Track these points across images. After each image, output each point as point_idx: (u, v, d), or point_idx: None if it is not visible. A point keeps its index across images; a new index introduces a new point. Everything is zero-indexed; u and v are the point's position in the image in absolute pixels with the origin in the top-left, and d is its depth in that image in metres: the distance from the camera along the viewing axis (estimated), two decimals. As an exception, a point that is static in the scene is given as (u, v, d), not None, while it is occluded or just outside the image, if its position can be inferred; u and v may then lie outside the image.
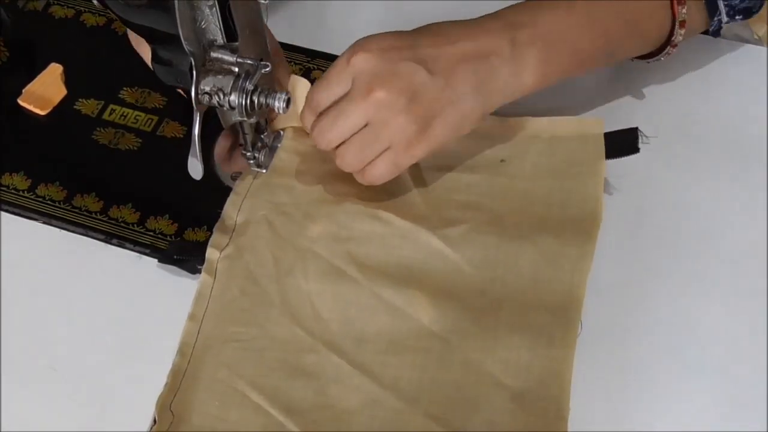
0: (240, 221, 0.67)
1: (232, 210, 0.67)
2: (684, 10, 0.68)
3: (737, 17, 0.71)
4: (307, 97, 0.66)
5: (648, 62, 0.73)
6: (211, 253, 0.65)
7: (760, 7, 0.71)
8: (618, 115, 0.73)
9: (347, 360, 0.62)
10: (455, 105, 0.63)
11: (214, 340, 0.63)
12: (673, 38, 0.70)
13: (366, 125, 0.63)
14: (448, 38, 0.64)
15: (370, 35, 0.64)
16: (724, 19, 0.71)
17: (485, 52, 0.64)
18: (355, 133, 0.63)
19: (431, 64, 0.62)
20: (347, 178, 0.67)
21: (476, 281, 0.65)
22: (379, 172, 0.64)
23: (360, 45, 0.63)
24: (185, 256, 0.66)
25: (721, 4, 0.70)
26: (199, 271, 0.65)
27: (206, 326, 0.63)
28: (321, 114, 0.64)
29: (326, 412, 0.60)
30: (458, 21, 0.66)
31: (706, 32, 0.74)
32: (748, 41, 0.81)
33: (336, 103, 0.63)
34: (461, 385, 0.61)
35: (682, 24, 0.69)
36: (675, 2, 0.68)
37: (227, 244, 0.66)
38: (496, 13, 0.66)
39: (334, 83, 0.64)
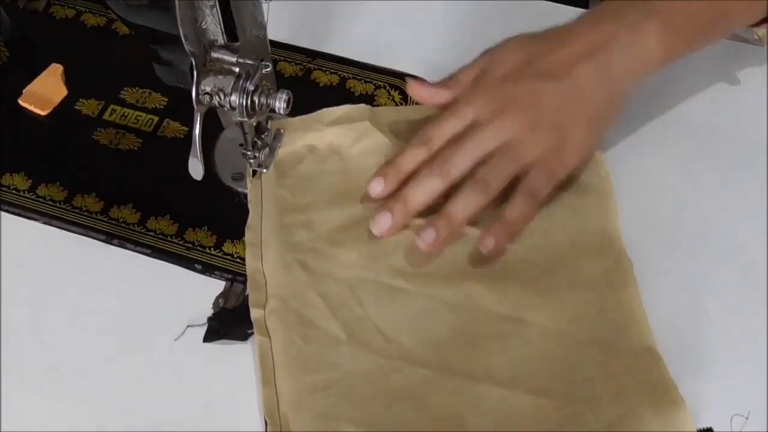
0: (269, 272, 0.65)
1: (254, 262, 0.65)
2: None
3: None
4: (419, 132, 0.64)
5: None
6: (255, 313, 0.63)
7: None
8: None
9: (433, 369, 0.60)
10: (584, 102, 0.62)
11: (298, 398, 0.60)
12: None
13: (496, 149, 0.62)
14: (560, 42, 0.63)
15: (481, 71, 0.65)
16: None
17: (602, 43, 0.62)
18: (489, 156, 0.62)
19: (551, 71, 0.62)
20: (359, 196, 0.66)
21: (521, 254, 0.64)
22: (535, 185, 0.62)
23: (475, 86, 0.64)
24: (229, 327, 0.63)
25: None
26: (251, 335, 0.62)
27: (282, 387, 0.60)
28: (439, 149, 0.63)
29: (437, 424, 0.59)
30: (561, 26, 0.65)
31: None
32: (748, 41, 0.81)
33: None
34: (548, 354, 0.61)
35: None
36: None
37: (266, 300, 0.63)
38: (600, 6, 0.66)
39: (454, 118, 0.63)
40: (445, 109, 0.65)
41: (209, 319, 0.64)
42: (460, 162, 0.62)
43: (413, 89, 0.68)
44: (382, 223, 0.63)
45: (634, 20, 0.62)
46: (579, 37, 0.63)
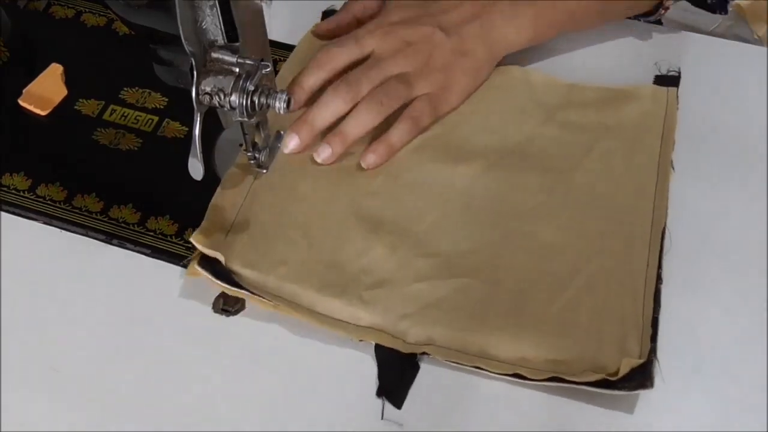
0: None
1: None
2: None
3: None
4: (320, 51, 0.71)
5: (645, 20, 0.77)
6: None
7: None
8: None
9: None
10: (468, 54, 0.72)
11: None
12: (664, 1, 0.74)
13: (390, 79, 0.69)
14: (452, 5, 0.73)
15: (383, 10, 0.74)
16: None
17: (486, 10, 0.72)
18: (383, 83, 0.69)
19: (443, 27, 0.71)
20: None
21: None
22: (419, 113, 0.69)
23: (376, 24, 0.72)
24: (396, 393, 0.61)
25: None
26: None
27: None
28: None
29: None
30: None
31: (711, 8, 0.74)
32: (748, 41, 0.81)
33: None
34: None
35: None
36: None
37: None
38: None
39: (355, 45, 0.70)
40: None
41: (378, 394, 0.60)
42: (364, 86, 0.69)
43: (319, 30, 0.76)
44: (291, 143, 0.69)
45: (517, 2, 0.73)
46: (470, 2, 0.73)
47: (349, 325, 0.62)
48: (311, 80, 0.70)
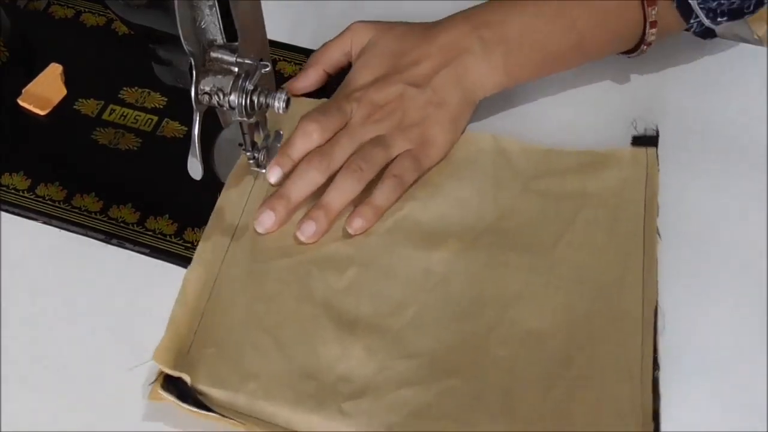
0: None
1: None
2: (654, 11, 0.69)
3: (721, 19, 0.70)
4: (300, 125, 0.67)
5: (629, 57, 0.74)
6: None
7: (756, 7, 0.71)
8: (618, 114, 0.73)
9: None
10: (443, 105, 0.69)
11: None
12: (645, 37, 0.71)
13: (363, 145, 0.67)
14: (423, 53, 0.70)
15: (352, 72, 0.71)
16: (706, 21, 0.71)
17: (459, 54, 0.69)
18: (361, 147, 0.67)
19: (415, 81, 0.69)
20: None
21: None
22: (402, 170, 0.67)
23: (348, 90, 0.69)
24: None
25: (695, 6, 0.70)
26: None
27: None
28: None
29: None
30: (428, 24, 0.71)
31: (700, 35, 0.74)
32: (748, 41, 0.81)
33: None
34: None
35: (653, 24, 0.70)
36: (645, 3, 0.69)
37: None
38: (466, 11, 0.71)
39: (332, 116, 0.68)
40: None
41: None
42: (338, 155, 0.66)
43: (291, 90, 0.73)
44: (266, 220, 0.66)
45: (487, 40, 0.69)
46: (439, 49, 0.69)
47: None
48: (298, 151, 0.67)
